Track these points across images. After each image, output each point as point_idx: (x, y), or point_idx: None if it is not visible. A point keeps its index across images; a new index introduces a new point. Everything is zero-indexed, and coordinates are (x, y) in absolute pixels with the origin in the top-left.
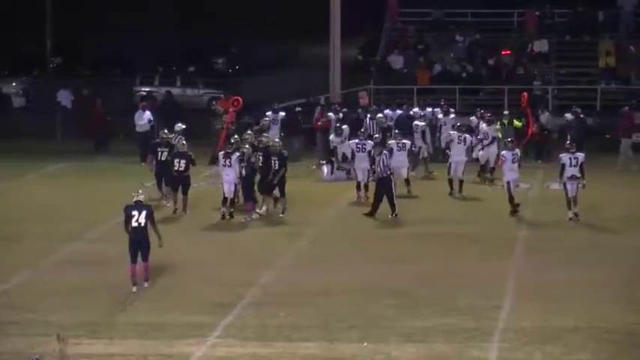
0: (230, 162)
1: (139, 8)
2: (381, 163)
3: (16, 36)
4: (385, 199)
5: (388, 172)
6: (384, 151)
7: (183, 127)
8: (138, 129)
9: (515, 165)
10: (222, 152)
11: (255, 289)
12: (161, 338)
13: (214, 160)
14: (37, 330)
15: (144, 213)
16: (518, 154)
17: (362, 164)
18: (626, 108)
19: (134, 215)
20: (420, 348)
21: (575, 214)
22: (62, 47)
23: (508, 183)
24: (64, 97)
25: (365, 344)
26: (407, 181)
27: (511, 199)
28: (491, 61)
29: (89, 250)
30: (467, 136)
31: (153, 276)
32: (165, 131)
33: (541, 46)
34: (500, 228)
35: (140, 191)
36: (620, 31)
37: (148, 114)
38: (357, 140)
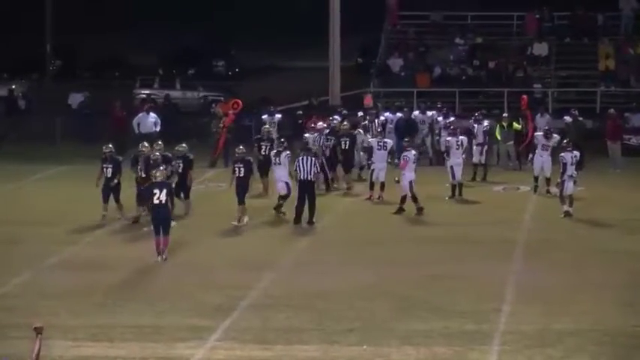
0: (280, 160)
1: (140, 11)
2: (308, 166)
3: (15, 38)
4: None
5: (311, 177)
6: (306, 156)
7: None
8: (142, 131)
9: (415, 165)
10: (273, 151)
11: (255, 291)
12: (161, 341)
13: (214, 163)
14: None
15: (164, 191)
16: (415, 155)
17: (381, 163)
18: (612, 110)
19: (156, 193)
20: (419, 351)
21: (569, 213)
22: (61, 50)
23: (410, 183)
24: (75, 100)
25: (365, 347)
26: (382, 185)
27: (414, 198)
28: (491, 64)
29: (88, 254)
30: (463, 138)
31: (152, 279)
32: (147, 144)
33: (541, 48)
34: (500, 231)
35: (161, 168)
36: (620, 34)
37: (153, 116)
38: (377, 139)
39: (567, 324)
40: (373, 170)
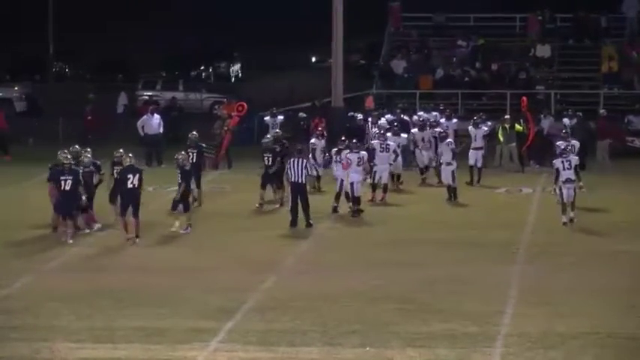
0: (340, 158)
1: (141, 13)
2: (299, 168)
3: (17, 40)
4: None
5: (302, 179)
6: (297, 158)
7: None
8: (148, 132)
9: (360, 167)
10: (334, 150)
11: (258, 293)
12: (164, 343)
13: (217, 166)
14: (40, 335)
15: (137, 176)
16: (365, 156)
17: (383, 165)
18: (602, 111)
19: (129, 178)
20: (422, 353)
21: (571, 220)
22: (64, 52)
23: (352, 184)
24: (121, 103)
25: (367, 349)
26: (385, 187)
27: (355, 199)
28: (494, 66)
29: (90, 255)
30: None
31: (154, 281)
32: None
33: (544, 50)
34: (503, 233)
35: (130, 155)
36: (623, 36)
37: (157, 117)
38: (379, 141)
39: (570, 326)
40: (375, 172)
